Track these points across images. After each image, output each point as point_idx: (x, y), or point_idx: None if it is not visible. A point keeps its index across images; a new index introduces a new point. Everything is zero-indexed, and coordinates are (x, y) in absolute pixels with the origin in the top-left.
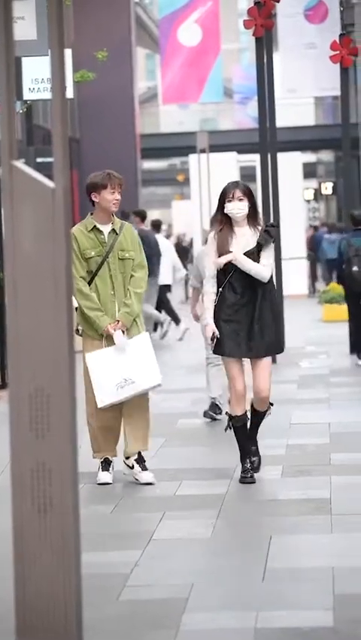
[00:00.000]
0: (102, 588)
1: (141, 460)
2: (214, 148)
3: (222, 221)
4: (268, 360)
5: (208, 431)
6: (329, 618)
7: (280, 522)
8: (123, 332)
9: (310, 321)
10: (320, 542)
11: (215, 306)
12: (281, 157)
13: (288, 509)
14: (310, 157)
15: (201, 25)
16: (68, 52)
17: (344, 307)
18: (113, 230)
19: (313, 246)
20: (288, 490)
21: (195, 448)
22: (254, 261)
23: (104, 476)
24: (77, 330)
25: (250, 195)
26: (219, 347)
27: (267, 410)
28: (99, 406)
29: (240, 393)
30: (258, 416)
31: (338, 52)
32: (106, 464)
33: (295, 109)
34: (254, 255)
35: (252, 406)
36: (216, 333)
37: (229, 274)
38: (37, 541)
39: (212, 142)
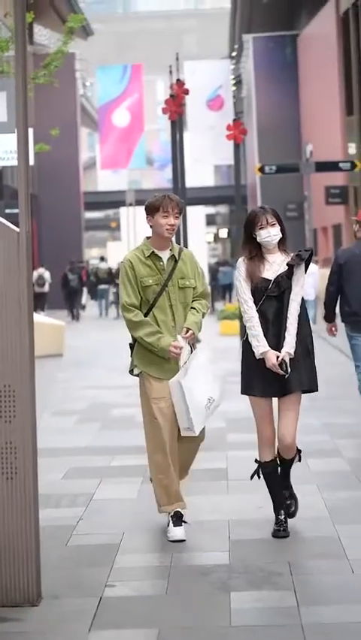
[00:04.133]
0: (55, 536)
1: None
2: (139, 202)
3: (252, 249)
4: (297, 399)
5: (138, 417)
6: (225, 558)
7: (190, 486)
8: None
9: (211, 335)
10: (219, 501)
11: (243, 340)
12: (190, 210)
13: (196, 476)
14: (210, 210)
15: (129, 110)
16: (30, 131)
17: (237, 323)
18: (173, 256)
19: (213, 275)
20: (195, 463)
21: (126, 431)
22: (285, 285)
23: (181, 533)
24: (132, 370)
25: (280, 220)
26: (248, 386)
27: (295, 457)
28: (196, 433)
29: (268, 440)
30: (285, 464)
31: (231, 132)
32: (179, 518)
33: (200, 174)
34: (285, 279)
35: (278, 452)
36: (286, 358)
37: (259, 301)
38: (5, 502)
39: (137, 198)
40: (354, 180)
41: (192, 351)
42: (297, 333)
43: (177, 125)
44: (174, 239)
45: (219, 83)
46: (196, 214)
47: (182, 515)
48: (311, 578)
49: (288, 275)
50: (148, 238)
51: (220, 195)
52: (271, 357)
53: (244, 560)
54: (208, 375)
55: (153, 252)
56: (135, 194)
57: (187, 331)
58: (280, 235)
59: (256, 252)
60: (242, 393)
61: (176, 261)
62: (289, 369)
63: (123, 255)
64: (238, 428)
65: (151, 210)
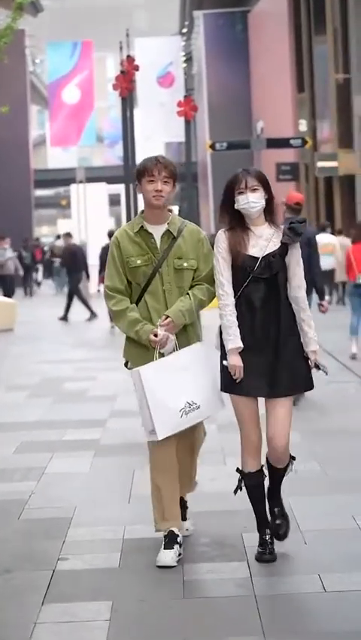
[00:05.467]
0: (7, 510)
1: (182, 505)
2: (89, 179)
3: (232, 219)
4: (289, 400)
5: (90, 391)
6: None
7: (141, 459)
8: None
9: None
10: None
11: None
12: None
13: (146, 451)
14: None
15: (80, 87)
16: None
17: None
18: (169, 232)
19: None
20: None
21: (78, 405)
22: (277, 266)
23: (170, 558)
24: (127, 363)
25: (266, 184)
26: (230, 383)
27: (288, 466)
28: (159, 437)
29: (254, 444)
30: (277, 474)
31: (182, 109)
32: (171, 540)
33: (150, 151)
34: (277, 259)
35: (267, 461)
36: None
37: (243, 283)
38: None
39: (87, 175)
40: (305, 157)
41: (176, 347)
42: (294, 321)
43: (128, 101)
44: (176, 212)
45: (170, 59)
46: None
47: (176, 537)
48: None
49: (281, 254)
50: (143, 212)
51: None
52: (236, 361)
53: (195, 532)
54: (198, 376)
55: (142, 226)
56: (85, 171)
57: (165, 319)
58: (263, 203)
59: (236, 222)
60: (222, 390)
61: (174, 238)
62: (325, 368)
63: (73, 232)
64: None
65: (138, 176)
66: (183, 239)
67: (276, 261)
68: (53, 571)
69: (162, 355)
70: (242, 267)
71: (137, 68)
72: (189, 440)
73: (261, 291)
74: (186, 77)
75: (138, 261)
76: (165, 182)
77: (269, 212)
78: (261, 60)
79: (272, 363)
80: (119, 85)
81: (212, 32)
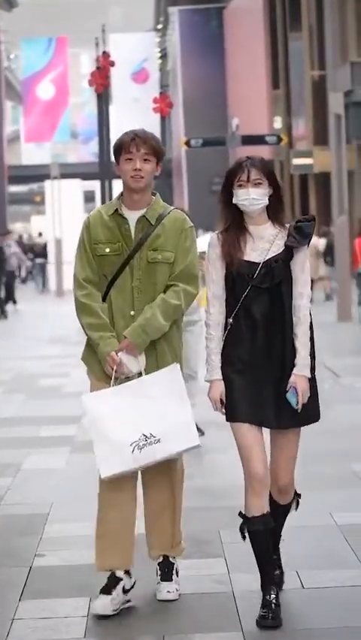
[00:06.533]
0: None
1: (165, 567)
2: (64, 176)
3: (229, 217)
4: (297, 432)
5: (65, 387)
6: None
7: None
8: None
9: None
10: None
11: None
12: (115, 183)
13: None
14: None
15: (54, 83)
16: None
17: None
18: (145, 218)
19: None
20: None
21: (53, 401)
22: (280, 274)
23: (101, 605)
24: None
25: (271, 177)
26: (229, 409)
27: (292, 502)
28: (102, 475)
29: (260, 481)
30: (280, 510)
31: (157, 105)
32: (110, 583)
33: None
34: (280, 265)
35: (270, 496)
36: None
37: (242, 294)
38: None
39: (62, 171)
40: (280, 154)
41: (143, 369)
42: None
43: (103, 97)
44: (159, 197)
45: (145, 55)
46: (121, 187)
47: (118, 581)
48: (241, 545)
49: (284, 258)
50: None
51: None
52: (215, 392)
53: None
54: (164, 405)
55: (116, 209)
56: (60, 167)
57: (125, 339)
58: (265, 201)
59: (234, 221)
60: (227, 420)
61: (151, 226)
62: (304, 400)
63: (47, 229)
64: None
65: (115, 155)
66: (163, 228)
67: (278, 267)
68: (30, 567)
69: (121, 380)
70: (239, 275)
71: (112, 64)
72: (164, 486)
73: (262, 304)
74: (161, 73)
75: (107, 249)
76: (146, 159)
77: (274, 210)
78: (236, 56)
79: (276, 387)
80: (94, 81)
81: (187, 28)
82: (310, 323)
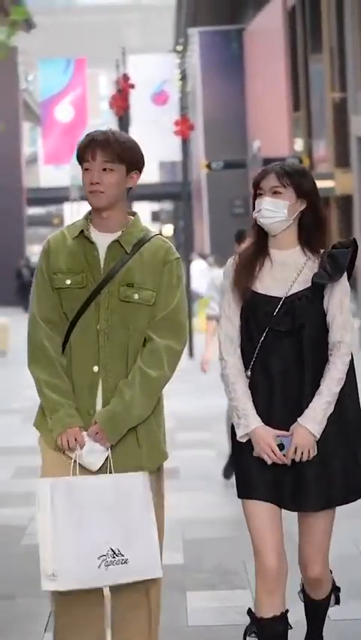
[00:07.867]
0: (8, 535)
1: None
2: (83, 198)
3: (253, 237)
4: (328, 515)
5: None
6: (180, 557)
7: None
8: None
9: None
10: (172, 500)
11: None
12: (136, 206)
13: None
14: (154, 206)
15: (73, 105)
16: None
17: None
18: (119, 244)
19: None
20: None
21: None
22: (304, 314)
23: None
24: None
25: (300, 188)
26: (241, 483)
27: (330, 595)
28: (61, 588)
29: (271, 573)
30: (315, 606)
31: (178, 127)
32: None
33: (146, 170)
34: (304, 303)
35: (303, 590)
36: (275, 448)
37: (258, 338)
38: None
39: (81, 194)
40: None
41: (110, 464)
42: (339, 399)
43: (123, 120)
44: (145, 219)
45: (164, 77)
46: (141, 211)
47: None
48: None
49: (311, 296)
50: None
51: (165, 192)
52: (265, 437)
53: (198, 559)
54: (133, 520)
55: (82, 231)
56: (79, 189)
57: (95, 424)
58: (284, 214)
59: (257, 242)
60: (239, 496)
61: (126, 254)
62: (303, 457)
63: None
64: (186, 428)
65: (80, 163)
66: (141, 257)
67: (302, 305)
68: None
69: (85, 472)
70: (253, 313)
71: (133, 87)
72: (142, 610)
73: (281, 355)
74: (181, 95)
75: (68, 281)
76: (106, 169)
77: (307, 231)
78: (256, 78)
79: (295, 463)
80: (115, 103)
81: (207, 50)
82: (352, 375)
